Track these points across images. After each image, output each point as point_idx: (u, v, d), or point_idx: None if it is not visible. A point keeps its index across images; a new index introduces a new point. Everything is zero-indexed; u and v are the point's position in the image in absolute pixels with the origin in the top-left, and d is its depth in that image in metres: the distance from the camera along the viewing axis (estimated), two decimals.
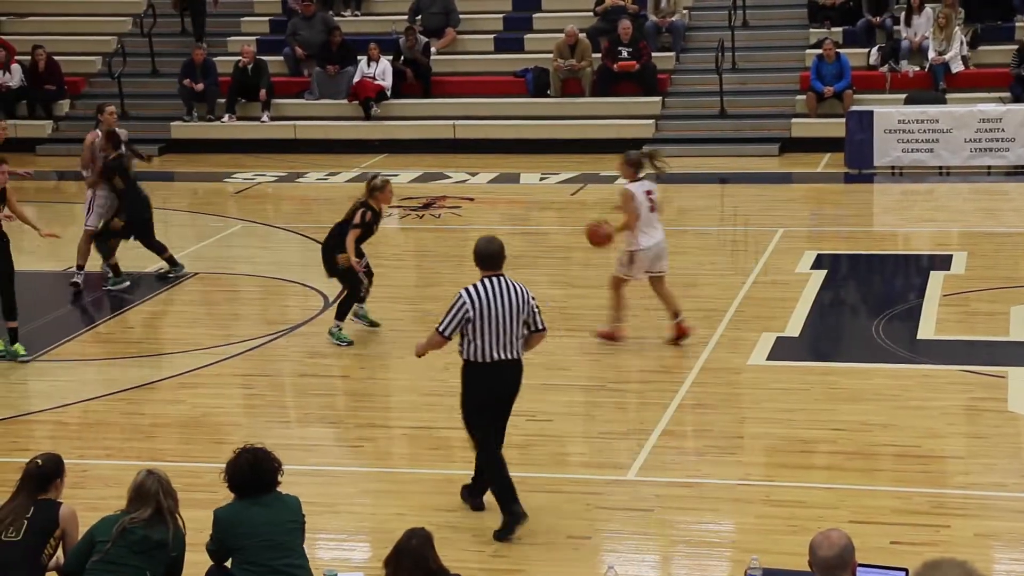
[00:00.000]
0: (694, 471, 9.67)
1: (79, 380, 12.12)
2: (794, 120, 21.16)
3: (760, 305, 13.42)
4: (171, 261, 14.81)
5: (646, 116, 21.66)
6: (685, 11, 23.11)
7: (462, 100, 22.35)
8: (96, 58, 23.77)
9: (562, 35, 22.06)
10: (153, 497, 6.81)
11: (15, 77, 22.68)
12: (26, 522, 6.91)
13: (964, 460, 9.81)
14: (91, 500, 8.76)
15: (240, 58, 22.33)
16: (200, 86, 22.19)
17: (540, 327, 8.87)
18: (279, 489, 7.00)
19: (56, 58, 22.81)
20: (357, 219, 12.42)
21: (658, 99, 21.89)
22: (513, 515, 8.69)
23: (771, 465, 9.85)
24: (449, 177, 19.96)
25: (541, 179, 19.87)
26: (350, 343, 12.62)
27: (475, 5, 23.80)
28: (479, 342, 8.64)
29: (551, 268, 15.22)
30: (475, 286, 8.71)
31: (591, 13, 22.94)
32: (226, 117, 22.34)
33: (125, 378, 11.98)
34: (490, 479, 8.88)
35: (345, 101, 22.30)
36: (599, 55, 22.07)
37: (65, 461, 7.30)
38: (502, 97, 22.36)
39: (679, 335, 12.37)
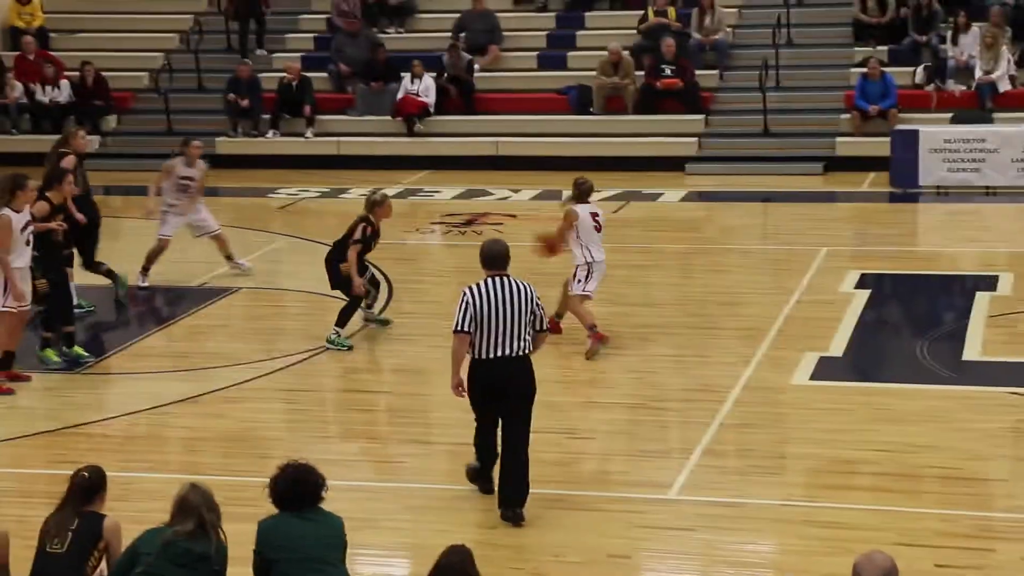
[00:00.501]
0: (736, 491, 9.62)
1: (124, 393, 12.19)
2: (838, 139, 21.07)
3: (803, 324, 13.35)
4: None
5: (689, 134, 21.63)
6: (729, 29, 23.08)
7: (505, 117, 22.39)
8: (143, 74, 23.96)
9: (605, 53, 22.06)
10: (196, 510, 6.82)
11: (64, 93, 22.87)
12: (71, 534, 6.96)
13: (1010, 483, 9.72)
14: (135, 513, 8.79)
15: (285, 74, 22.46)
16: (245, 102, 22.33)
17: (541, 328, 9.21)
18: (324, 506, 7.01)
19: (104, 74, 23.00)
20: (358, 234, 12.89)
21: (701, 117, 21.86)
22: (481, 479, 9.45)
23: (814, 486, 9.79)
24: (491, 194, 19.97)
25: None
26: (350, 348, 12.88)
27: (519, 23, 23.85)
28: (481, 338, 8.99)
29: None
30: (478, 284, 9.09)
31: (634, 31, 22.95)
32: (270, 133, 22.46)
33: (169, 392, 12.03)
34: (476, 447, 9.39)
35: (388, 117, 22.38)
36: (642, 73, 22.06)
37: (109, 474, 7.34)
38: (545, 114, 22.39)
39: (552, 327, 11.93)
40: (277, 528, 6.90)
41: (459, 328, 9.00)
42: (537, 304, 9.11)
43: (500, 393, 9.09)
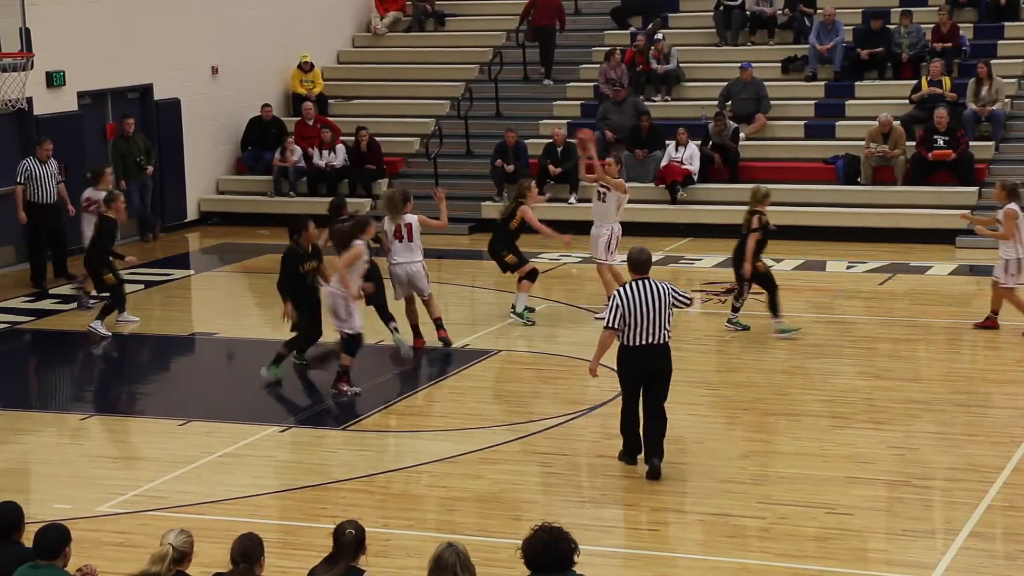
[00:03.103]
0: None
1: (384, 451, 12.47)
2: None
3: None
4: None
5: (961, 206, 20.99)
6: (1007, 100, 22.38)
7: (770, 186, 21.88)
8: (414, 139, 24.65)
9: (875, 123, 21.68)
10: (451, 569, 6.90)
11: (339, 157, 23.68)
12: None
13: None
14: (393, 569, 8.98)
15: (551, 140, 22.78)
16: (511, 167, 22.70)
17: (686, 301, 11.41)
18: (576, 570, 7.01)
19: (377, 139, 23.74)
20: (755, 224, 15.34)
21: (975, 189, 21.23)
22: (626, 458, 11.43)
23: None
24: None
25: (848, 268, 19.50)
26: (797, 329, 15.32)
27: (787, 91, 23.66)
28: (629, 330, 10.97)
29: (856, 358, 14.87)
30: (626, 286, 11.09)
31: (906, 101, 22.49)
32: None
33: (428, 451, 12.26)
34: (622, 429, 11.42)
35: (652, 184, 22.45)
36: (913, 143, 21.58)
37: (368, 529, 7.50)
38: (811, 184, 22.08)
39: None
40: None
41: (609, 325, 11.06)
42: (674, 298, 11.07)
43: (649, 374, 11.09)
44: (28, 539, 7.39)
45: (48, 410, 14.33)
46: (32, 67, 18.90)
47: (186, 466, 11.91)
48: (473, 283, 18.86)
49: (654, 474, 11.14)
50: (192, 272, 20.82)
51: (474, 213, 22.73)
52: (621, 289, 11.13)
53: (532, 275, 16.67)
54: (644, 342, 11.01)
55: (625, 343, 11.08)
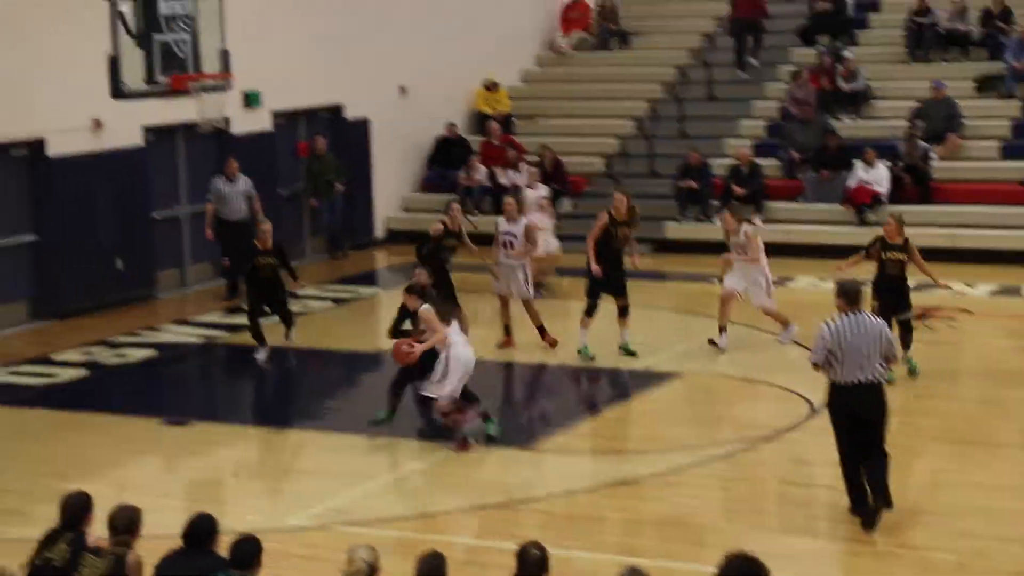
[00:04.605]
0: None
1: (567, 472, 12.45)
2: None
3: None
4: None
5: None
6: None
7: (963, 208, 21.63)
8: (598, 159, 24.67)
9: None
10: None
11: (524, 175, 23.81)
12: None
13: None
14: None
15: (735, 160, 22.58)
16: (694, 184, 22.54)
17: (895, 358, 10.68)
18: None
19: (562, 158, 23.83)
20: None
21: None
22: (860, 512, 10.47)
23: None
24: (947, 288, 19.26)
25: None
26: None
27: (981, 110, 23.07)
28: (839, 367, 10.36)
29: None
30: (834, 319, 10.43)
31: None
32: (718, 219, 22.56)
33: (610, 473, 12.22)
34: (844, 479, 10.59)
35: (838, 206, 22.09)
36: None
37: (550, 551, 7.50)
38: (1007, 206, 21.48)
39: None
40: None
41: (812, 360, 10.52)
42: (887, 339, 10.43)
43: (862, 414, 10.40)
44: (221, 550, 7.57)
45: (241, 423, 14.68)
46: (231, 88, 19.46)
47: (373, 481, 12.08)
48: (653, 303, 18.75)
49: (870, 524, 10.43)
50: (379, 290, 21.15)
51: (657, 234, 22.62)
52: (828, 324, 10.42)
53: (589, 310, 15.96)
54: (855, 380, 10.34)
55: (834, 380, 10.45)
